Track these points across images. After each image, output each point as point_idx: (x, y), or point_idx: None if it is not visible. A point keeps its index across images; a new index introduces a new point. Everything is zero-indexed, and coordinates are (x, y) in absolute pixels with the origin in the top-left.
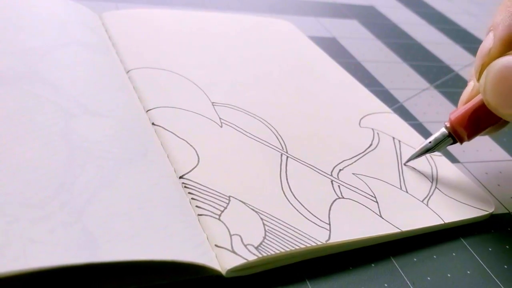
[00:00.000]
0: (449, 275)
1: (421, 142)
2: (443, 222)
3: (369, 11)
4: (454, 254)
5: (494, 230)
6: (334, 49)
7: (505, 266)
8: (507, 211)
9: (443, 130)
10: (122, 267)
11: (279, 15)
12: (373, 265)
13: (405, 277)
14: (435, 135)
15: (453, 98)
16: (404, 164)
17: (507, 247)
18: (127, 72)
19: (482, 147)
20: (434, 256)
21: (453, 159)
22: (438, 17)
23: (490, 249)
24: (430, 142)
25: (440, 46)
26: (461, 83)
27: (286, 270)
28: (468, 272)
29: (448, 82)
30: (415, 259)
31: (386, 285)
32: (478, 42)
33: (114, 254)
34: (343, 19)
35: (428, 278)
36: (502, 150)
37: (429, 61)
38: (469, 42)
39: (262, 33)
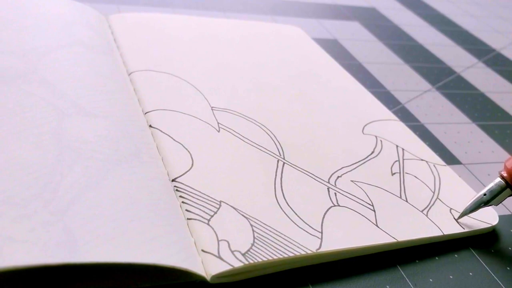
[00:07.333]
0: (451, 276)
1: (475, 195)
2: (442, 234)
3: (370, 13)
4: (456, 255)
5: (496, 231)
6: (336, 51)
7: (508, 268)
8: (509, 213)
9: (499, 180)
10: (102, 269)
11: (282, 17)
12: (375, 267)
13: (407, 279)
14: (490, 186)
15: (455, 99)
16: (456, 220)
17: (510, 248)
18: (129, 74)
19: (484, 149)
20: (436, 258)
21: (455, 160)
22: (439, 19)
23: (492, 250)
24: (485, 195)
25: (441, 47)
26: (463, 84)
27: (289, 274)
28: (471, 273)
29: (450, 84)
30: (417, 261)
31: (388, 286)
32: (480, 43)
33: (92, 255)
34: (345, 21)
35: (430, 280)
36: (504, 152)
37: (431, 63)
38: (471, 43)
39: (268, 39)
